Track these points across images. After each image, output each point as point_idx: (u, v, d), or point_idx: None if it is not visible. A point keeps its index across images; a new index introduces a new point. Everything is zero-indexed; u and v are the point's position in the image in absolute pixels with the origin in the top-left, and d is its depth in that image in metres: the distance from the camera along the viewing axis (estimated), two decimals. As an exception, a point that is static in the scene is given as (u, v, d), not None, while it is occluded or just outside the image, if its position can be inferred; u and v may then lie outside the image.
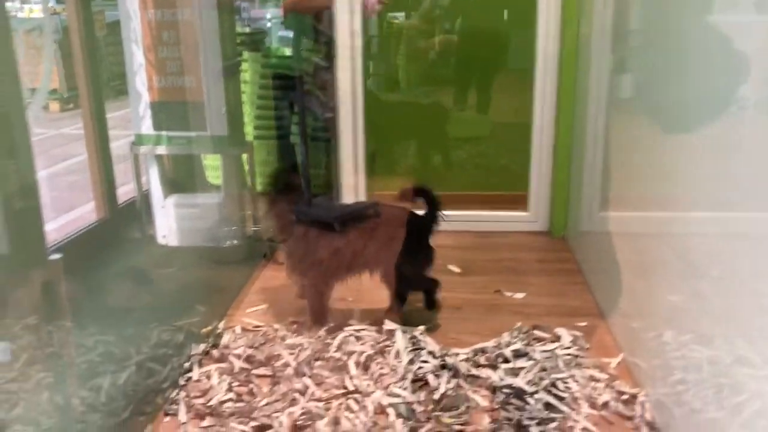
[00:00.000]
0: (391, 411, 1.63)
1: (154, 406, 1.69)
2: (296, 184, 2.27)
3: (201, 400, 1.68)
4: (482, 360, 1.85)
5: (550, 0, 2.74)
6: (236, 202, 2.89)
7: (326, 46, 3.73)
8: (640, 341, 1.85)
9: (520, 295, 2.31)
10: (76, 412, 1.60)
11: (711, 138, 1.44)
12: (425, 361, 1.85)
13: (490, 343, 1.92)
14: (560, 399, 1.67)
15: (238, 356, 1.88)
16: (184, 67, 2.71)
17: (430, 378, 1.77)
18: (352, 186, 3.06)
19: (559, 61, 2.78)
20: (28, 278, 1.59)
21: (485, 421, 1.61)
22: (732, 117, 1.36)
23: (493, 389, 1.72)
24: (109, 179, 2.84)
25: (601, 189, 2.41)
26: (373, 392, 1.71)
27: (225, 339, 1.99)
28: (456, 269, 2.55)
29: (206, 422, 1.62)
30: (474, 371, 1.80)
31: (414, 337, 1.95)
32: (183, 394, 1.72)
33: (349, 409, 1.65)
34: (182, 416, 1.64)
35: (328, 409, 1.64)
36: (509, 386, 1.71)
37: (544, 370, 1.78)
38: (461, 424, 1.59)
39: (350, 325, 2.02)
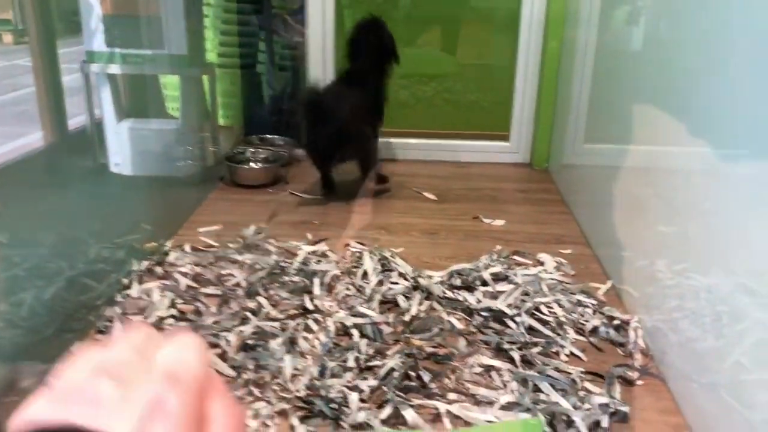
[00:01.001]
0: (355, 332, 1.44)
1: (84, 323, 1.48)
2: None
3: (138, 317, 1.48)
4: (458, 282, 1.66)
5: None
6: (195, 129, 2.64)
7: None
8: (630, 269, 1.68)
9: (500, 222, 2.13)
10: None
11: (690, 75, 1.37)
12: (395, 283, 1.66)
13: (467, 266, 1.73)
14: (544, 323, 1.50)
15: (184, 274, 1.67)
16: (141, -25, 2.44)
17: (400, 300, 1.58)
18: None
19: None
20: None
21: (461, 344, 1.42)
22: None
23: (470, 312, 1.54)
24: (59, 106, 2.57)
25: (587, 121, 2.25)
26: (336, 312, 1.51)
27: (171, 257, 1.77)
28: (431, 196, 2.35)
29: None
30: (449, 293, 1.62)
31: (384, 258, 1.76)
32: (119, 310, 1.51)
33: (307, 329, 1.46)
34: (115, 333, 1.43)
35: (284, 329, 1.44)
36: (488, 309, 1.53)
37: (526, 294, 1.60)
38: (434, 347, 1.40)
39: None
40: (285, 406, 1.21)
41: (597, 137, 2.17)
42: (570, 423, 1.18)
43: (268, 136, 2.92)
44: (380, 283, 1.65)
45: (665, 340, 1.43)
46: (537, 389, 1.27)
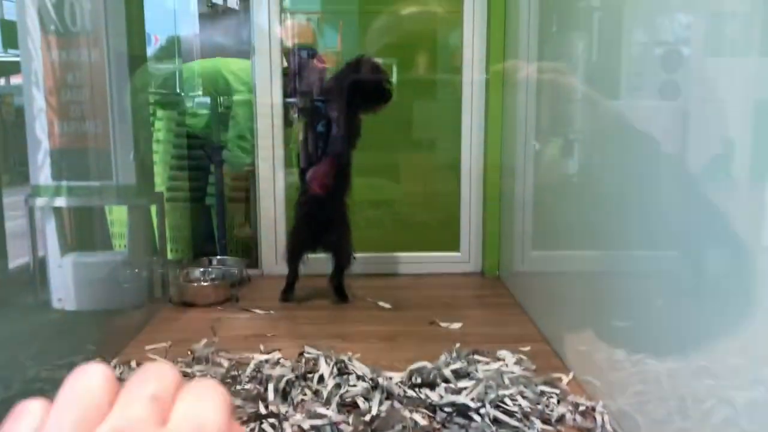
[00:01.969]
0: (313, 435, 1.37)
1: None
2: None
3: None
4: (419, 381, 1.61)
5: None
6: (143, 259, 2.59)
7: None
8: (590, 361, 1.68)
9: (457, 325, 2.11)
10: None
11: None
12: (353, 385, 1.59)
13: (427, 364, 1.68)
14: (510, 415, 1.45)
15: (131, 388, 1.57)
16: (89, 111, 2.48)
17: (360, 401, 1.52)
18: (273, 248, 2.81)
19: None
20: None
21: (426, 439, 1.36)
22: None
23: (433, 408, 1.48)
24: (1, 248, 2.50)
25: (533, 231, 2.34)
26: (292, 416, 1.44)
27: (116, 372, 1.68)
28: (386, 305, 2.33)
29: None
30: (410, 392, 1.56)
31: (341, 361, 1.70)
32: (56, 427, 1.39)
33: (262, 434, 1.37)
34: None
35: (237, 436, 1.35)
36: (451, 404, 1.48)
37: (489, 387, 1.55)
38: (398, 444, 1.33)
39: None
40: None
41: (544, 245, 2.24)
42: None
43: (219, 257, 2.89)
44: (338, 386, 1.59)
45: (633, 422, 1.40)
46: (508, 478, 1.21)
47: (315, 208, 2.33)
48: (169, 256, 3.19)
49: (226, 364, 1.73)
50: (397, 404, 1.51)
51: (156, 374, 0.30)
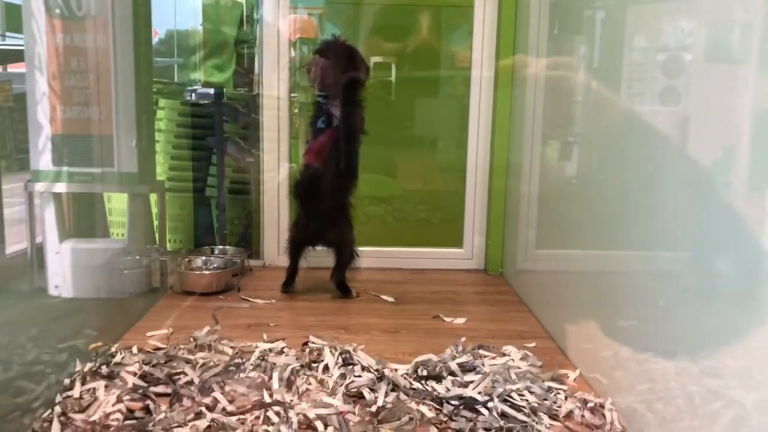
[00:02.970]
0: (319, 424, 1.34)
1: (17, 425, 1.34)
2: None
3: (81, 416, 1.34)
4: (425, 373, 1.59)
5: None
6: (142, 247, 2.55)
7: (248, 85, 3.59)
8: (597, 358, 1.67)
9: (461, 320, 2.09)
10: None
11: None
12: (359, 376, 1.57)
13: (433, 357, 1.67)
14: (517, 409, 1.43)
15: (133, 373, 1.55)
16: (93, 97, 2.44)
17: (366, 391, 1.50)
18: (275, 240, 2.78)
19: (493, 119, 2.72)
20: None
21: None
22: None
23: (440, 401, 1.46)
24: None
25: (537, 230, 2.34)
26: (297, 404, 1.42)
27: (117, 358, 1.65)
28: (389, 299, 2.31)
29: (85, 440, 1.28)
30: (416, 384, 1.54)
31: (345, 352, 1.68)
32: (58, 410, 1.37)
33: (268, 421, 1.35)
34: (54, 433, 1.29)
35: (242, 422, 1.33)
36: (458, 397, 1.46)
37: (496, 381, 1.54)
38: (405, 435, 1.32)
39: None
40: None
41: (548, 243, 2.24)
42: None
43: (220, 246, 2.86)
44: (343, 376, 1.57)
45: (641, 420, 1.38)
46: (518, 471, 1.19)
47: (307, 181, 2.27)
48: (169, 246, 3.15)
49: (229, 351, 1.71)
50: (403, 396, 1.49)
51: None
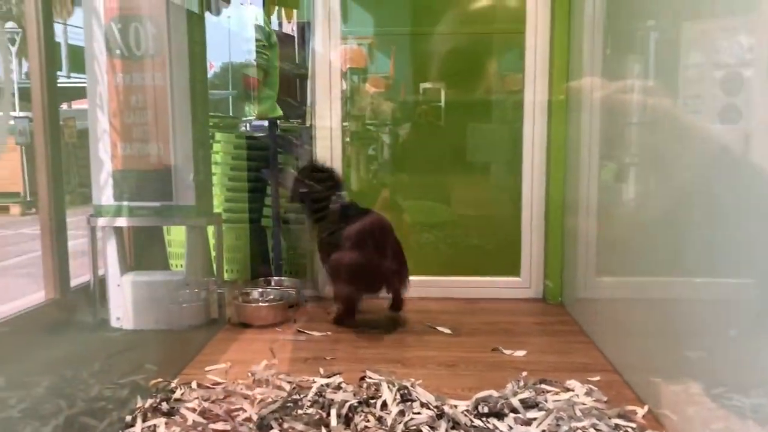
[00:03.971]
0: (379, 463, 1.32)
1: (82, 462, 1.35)
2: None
3: (142, 454, 1.35)
4: (485, 410, 1.55)
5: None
6: (200, 278, 2.59)
7: (301, 117, 3.63)
8: (666, 393, 1.59)
9: (520, 353, 2.04)
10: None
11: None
12: (418, 413, 1.54)
13: (493, 393, 1.62)
14: (584, 449, 1.38)
15: (192, 410, 1.55)
16: (152, 133, 2.51)
17: (425, 429, 1.46)
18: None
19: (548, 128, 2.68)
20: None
21: (496, 472, 1.29)
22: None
23: (503, 439, 1.42)
24: (63, 267, 2.52)
25: (597, 256, 2.27)
26: (356, 443, 1.39)
27: (177, 394, 1.66)
28: (446, 330, 2.28)
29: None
30: (477, 422, 1.50)
31: (403, 387, 1.65)
32: (120, 448, 1.38)
33: (327, 461, 1.33)
34: (116, 472, 1.30)
35: (301, 462, 1.32)
36: (522, 435, 1.41)
37: (560, 419, 1.48)
38: (468, 476, 1.27)
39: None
40: None
41: (609, 270, 2.18)
42: None
43: (276, 278, 2.88)
44: (401, 413, 1.54)
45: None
46: None
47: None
48: (226, 276, 3.20)
49: (287, 387, 1.70)
50: (464, 434, 1.45)
51: None
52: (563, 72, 2.59)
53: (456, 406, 1.57)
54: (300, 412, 1.56)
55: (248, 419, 1.51)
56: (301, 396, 1.63)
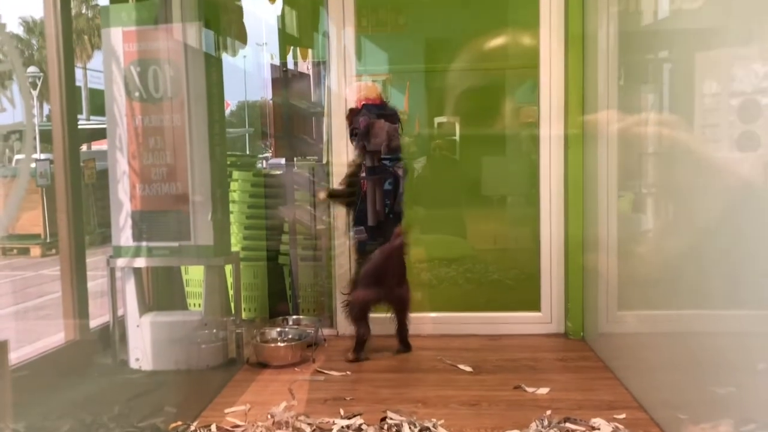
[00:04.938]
0: None
1: None
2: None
3: (162, 501, 1.33)
4: (510, 451, 1.52)
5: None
6: (219, 318, 2.58)
7: (318, 154, 3.65)
8: (695, 431, 1.55)
9: (544, 390, 2.00)
10: None
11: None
12: (441, 455, 1.51)
13: (517, 433, 1.59)
14: (613, 492, 1.34)
15: (212, 454, 1.54)
16: (170, 173, 2.53)
17: (449, 472, 1.43)
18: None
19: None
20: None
21: None
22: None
23: (529, 482, 1.39)
24: (82, 309, 2.53)
25: (618, 291, 2.25)
26: (379, 488, 1.37)
27: (197, 437, 1.65)
28: (467, 368, 2.24)
29: None
30: (502, 463, 1.47)
31: (425, 428, 1.62)
32: (140, 494, 1.36)
33: (349, 507, 1.31)
34: None
35: (323, 508, 1.29)
36: (548, 478, 1.38)
37: (587, 460, 1.45)
38: None
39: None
40: None
41: (631, 304, 2.15)
42: None
43: (294, 316, 2.87)
44: (424, 455, 1.51)
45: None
46: None
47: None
48: (244, 315, 3.19)
49: (308, 429, 1.68)
50: (488, 477, 1.42)
51: None
52: (578, 105, 2.59)
53: (479, 448, 1.54)
54: (321, 454, 1.54)
55: (268, 463, 1.49)
56: (322, 438, 1.61)
